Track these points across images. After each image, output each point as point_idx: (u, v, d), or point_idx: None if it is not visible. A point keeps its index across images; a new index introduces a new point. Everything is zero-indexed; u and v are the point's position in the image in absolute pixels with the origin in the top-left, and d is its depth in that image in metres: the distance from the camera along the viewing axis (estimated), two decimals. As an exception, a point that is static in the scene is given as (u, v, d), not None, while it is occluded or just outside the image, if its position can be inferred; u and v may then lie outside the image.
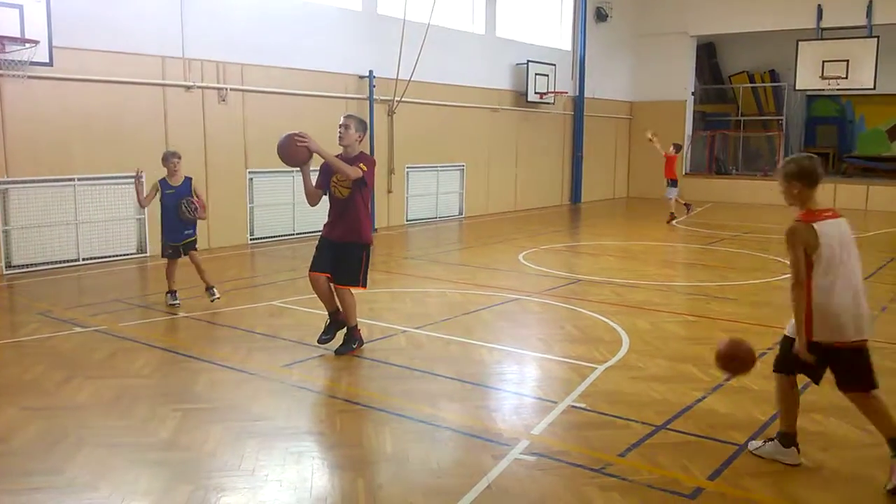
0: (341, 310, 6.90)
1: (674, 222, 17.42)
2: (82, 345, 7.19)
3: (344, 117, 6.85)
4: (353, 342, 6.93)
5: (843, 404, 5.62)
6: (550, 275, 10.97)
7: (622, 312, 8.53)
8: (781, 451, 4.62)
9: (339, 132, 6.78)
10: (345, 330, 6.97)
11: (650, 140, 17.60)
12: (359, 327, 7.03)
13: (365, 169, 6.62)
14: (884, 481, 4.38)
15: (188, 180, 8.81)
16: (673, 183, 17.84)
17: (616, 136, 25.11)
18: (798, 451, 4.63)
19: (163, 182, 8.75)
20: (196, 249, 8.87)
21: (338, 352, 6.84)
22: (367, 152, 6.83)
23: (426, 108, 17.41)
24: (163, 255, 8.95)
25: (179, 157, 8.83)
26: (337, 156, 6.71)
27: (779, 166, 4.63)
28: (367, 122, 6.83)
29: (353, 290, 6.85)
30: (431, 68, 16.87)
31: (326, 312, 7.01)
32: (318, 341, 6.96)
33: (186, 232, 8.76)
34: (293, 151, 6.52)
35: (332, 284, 6.81)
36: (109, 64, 11.72)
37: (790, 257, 4.46)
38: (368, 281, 6.93)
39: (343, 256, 6.75)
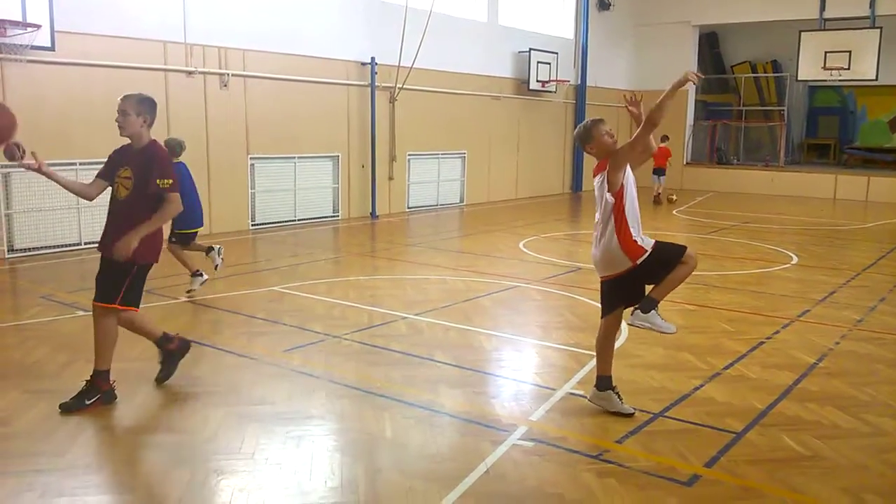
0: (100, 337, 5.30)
1: (677, 210, 17.65)
2: (85, 328, 7.19)
3: (120, 100, 5.46)
4: (92, 393, 5.19)
5: (840, 393, 5.68)
6: (550, 263, 11.00)
7: (622, 301, 8.55)
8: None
9: (118, 120, 5.43)
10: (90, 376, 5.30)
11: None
12: (112, 380, 5.34)
13: (169, 184, 5.22)
14: (881, 471, 4.42)
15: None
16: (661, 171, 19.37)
17: (617, 125, 24.95)
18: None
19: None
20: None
21: (64, 406, 5.11)
22: (159, 141, 5.63)
23: (428, 96, 17.39)
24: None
25: None
26: (123, 147, 5.59)
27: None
28: (155, 99, 5.75)
29: (118, 311, 5.25)
30: (433, 56, 16.83)
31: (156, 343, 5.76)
32: (156, 380, 5.74)
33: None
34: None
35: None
36: (111, 49, 11.71)
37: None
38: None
39: (107, 268, 5.29)
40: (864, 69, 20.84)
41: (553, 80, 20.74)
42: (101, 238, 5.36)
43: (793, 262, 11.30)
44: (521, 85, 20.25)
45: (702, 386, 5.79)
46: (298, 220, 14.88)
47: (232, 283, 9.28)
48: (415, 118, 17.14)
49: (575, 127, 22.31)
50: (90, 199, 5.61)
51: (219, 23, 13.13)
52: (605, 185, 4.96)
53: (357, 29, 15.69)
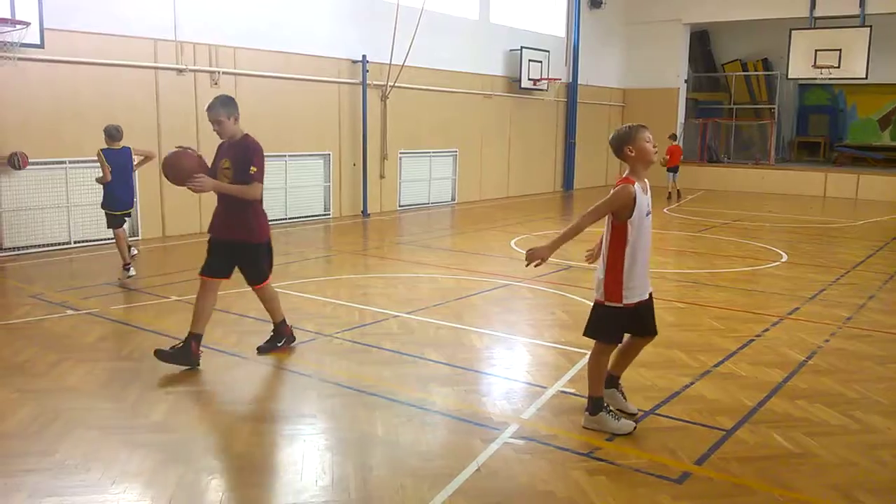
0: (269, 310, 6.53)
1: (668, 208, 17.71)
2: (74, 327, 7.19)
3: (209, 112, 5.98)
4: (279, 339, 6.53)
5: (829, 390, 5.70)
6: (542, 261, 10.98)
7: (613, 299, 8.56)
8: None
9: (215, 129, 6.04)
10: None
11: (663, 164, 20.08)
12: (288, 324, 6.62)
13: (255, 172, 5.94)
14: (870, 467, 4.44)
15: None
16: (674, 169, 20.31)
17: (609, 123, 25.09)
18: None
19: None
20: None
21: (260, 349, 6.44)
22: (249, 133, 6.17)
23: (419, 94, 17.38)
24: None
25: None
26: (223, 143, 6.19)
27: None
28: (231, 96, 6.24)
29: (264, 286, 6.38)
30: (425, 54, 16.82)
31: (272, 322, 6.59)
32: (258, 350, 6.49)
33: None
34: (179, 170, 5.89)
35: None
36: (101, 46, 11.66)
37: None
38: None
39: (239, 257, 6.22)
40: (855, 67, 20.92)
41: (544, 79, 20.75)
42: (211, 222, 6.22)
43: (783, 260, 11.34)
44: (513, 83, 20.26)
45: (692, 384, 5.81)
46: (289, 218, 14.85)
47: (223, 281, 9.24)
48: (406, 116, 17.12)
49: (566, 124, 22.51)
50: None
51: (209, 20, 13.09)
52: (603, 203, 4.66)
53: (348, 27, 15.67)
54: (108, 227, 9.41)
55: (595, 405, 4.89)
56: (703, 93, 28.20)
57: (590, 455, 4.52)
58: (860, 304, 8.55)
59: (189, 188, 5.84)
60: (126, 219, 9.54)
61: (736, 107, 27.23)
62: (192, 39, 12.87)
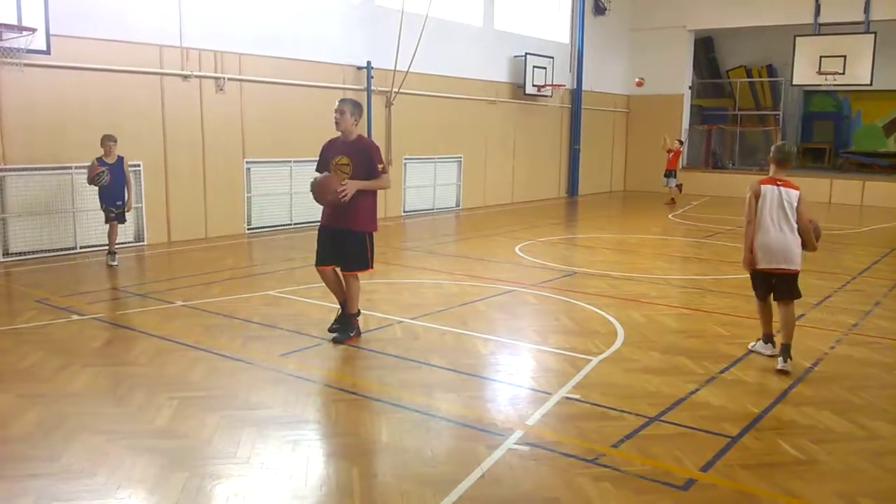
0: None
1: (671, 213, 17.71)
2: (79, 332, 7.20)
3: (339, 102, 6.86)
4: (350, 330, 7.01)
5: (835, 397, 5.69)
6: (546, 267, 11.00)
7: (617, 305, 8.56)
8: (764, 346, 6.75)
9: (336, 118, 6.82)
10: (342, 316, 7.13)
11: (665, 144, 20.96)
12: (358, 317, 7.14)
13: (383, 166, 6.81)
14: (876, 475, 4.43)
15: (121, 159, 10.45)
16: (672, 174, 20.96)
17: (613, 129, 25.11)
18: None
19: (100, 160, 10.30)
20: (123, 222, 10.73)
21: (336, 340, 6.91)
22: (365, 135, 7.03)
23: (424, 100, 17.40)
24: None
25: (114, 140, 10.41)
26: (331, 140, 7.01)
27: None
28: (364, 105, 6.90)
29: (360, 274, 7.03)
30: (429, 60, 16.85)
31: (338, 303, 7.22)
32: (330, 330, 7.12)
33: (118, 203, 10.51)
34: (327, 195, 6.66)
35: (338, 271, 7.03)
36: (107, 52, 11.70)
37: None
38: (375, 263, 7.25)
39: (346, 244, 6.86)
40: (859, 74, 20.90)
41: (549, 85, 20.76)
42: (326, 218, 6.89)
43: (788, 267, 11.30)
44: (517, 89, 20.28)
45: (697, 390, 5.80)
46: (295, 224, 14.86)
47: (228, 287, 9.27)
48: (411, 122, 17.14)
49: (571, 130, 22.53)
50: None
51: (215, 27, 13.13)
52: (800, 204, 6.43)
53: (353, 33, 15.70)
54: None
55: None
56: (707, 99, 28.20)
57: (595, 462, 4.51)
58: (866, 311, 8.53)
59: (340, 198, 6.55)
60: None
61: (740, 113, 27.21)
62: (198, 46, 12.91)
